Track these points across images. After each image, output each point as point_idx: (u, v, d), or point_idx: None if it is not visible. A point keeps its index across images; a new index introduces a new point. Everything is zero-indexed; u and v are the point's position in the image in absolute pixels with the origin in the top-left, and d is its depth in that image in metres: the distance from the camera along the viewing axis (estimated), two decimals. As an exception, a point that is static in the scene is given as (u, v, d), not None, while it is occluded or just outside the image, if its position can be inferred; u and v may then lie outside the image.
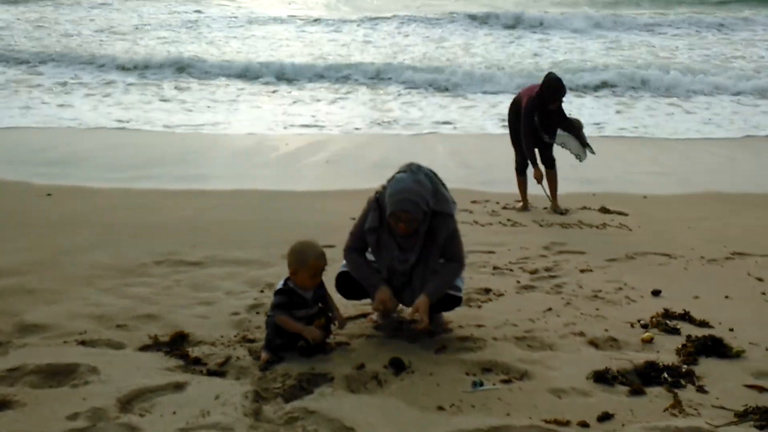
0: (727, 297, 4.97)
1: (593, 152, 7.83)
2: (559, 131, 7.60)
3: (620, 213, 7.61)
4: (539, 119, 7.37)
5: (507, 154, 8.00)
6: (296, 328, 3.68)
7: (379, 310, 3.96)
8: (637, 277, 5.36)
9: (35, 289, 4.62)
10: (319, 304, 3.84)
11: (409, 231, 3.88)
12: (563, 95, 7.31)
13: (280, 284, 3.78)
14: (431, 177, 3.98)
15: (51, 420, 2.96)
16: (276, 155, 10.18)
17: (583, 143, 7.75)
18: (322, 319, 3.79)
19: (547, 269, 5.55)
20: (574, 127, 7.70)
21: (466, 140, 11.44)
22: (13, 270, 4.97)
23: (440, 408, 3.24)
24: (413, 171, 3.92)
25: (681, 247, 6.25)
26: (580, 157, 7.79)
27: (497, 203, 7.91)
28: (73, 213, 6.87)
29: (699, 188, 8.85)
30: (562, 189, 7.89)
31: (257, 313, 4.36)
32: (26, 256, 5.33)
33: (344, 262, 4.11)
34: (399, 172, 3.94)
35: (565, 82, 7.38)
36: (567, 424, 3.14)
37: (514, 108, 7.61)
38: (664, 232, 6.83)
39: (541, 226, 7.06)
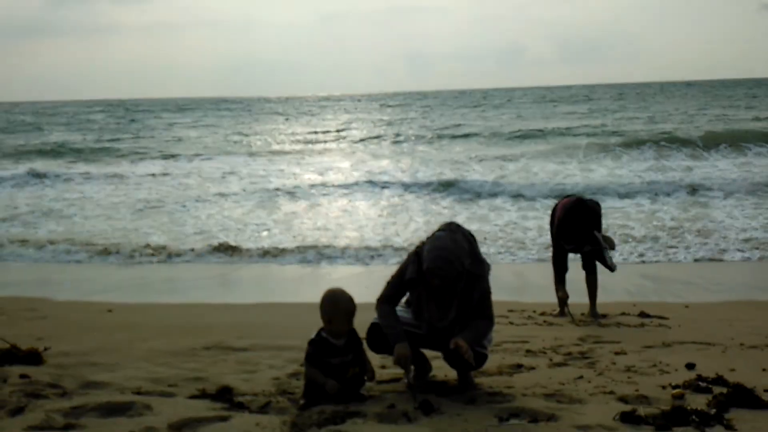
0: (764, 369, 4.98)
1: (611, 269, 7.69)
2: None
3: (660, 317, 7.65)
4: (566, 241, 7.50)
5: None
6: (319, 380, 3.90)
7: (398, 364, 4.13)
8: (672, 358, 5.41)
9: (98, 362, 5.01)
10: (352, 355, 4.05)
11: (444, 287, 4.13)
12: (585, 224, 7.31)
13: (312, 335, 4.04)
14: (469, 238, 4.28)
15: (110, 433, 3.24)
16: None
17: (605, 264, 7.61)
18: (356, 368, 4.00)
19: (581, 353, 5.65)
20: (601, 248, 7.53)
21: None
22: (79, 351, 5.37)
23: (466, 435, 3.37)
24: (452, 230, 4.23)
25: (721, 338, 6.27)
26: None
27: (534, 311, 8.02)
28: (131, 321, 7.29)
29: (741, 297, 8.85)
30: (601, 299, 7.99)
31: (297, 379, 4.57)
32: (89, 344, 5.73)
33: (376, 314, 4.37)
34: (438, 230, 4.26)
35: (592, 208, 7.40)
36: (589, 445, 3.22)
37: (552, 219, 7.89)
38: (704, 329, 6.85)
39: (577, 325, 7.16)
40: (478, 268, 4.22)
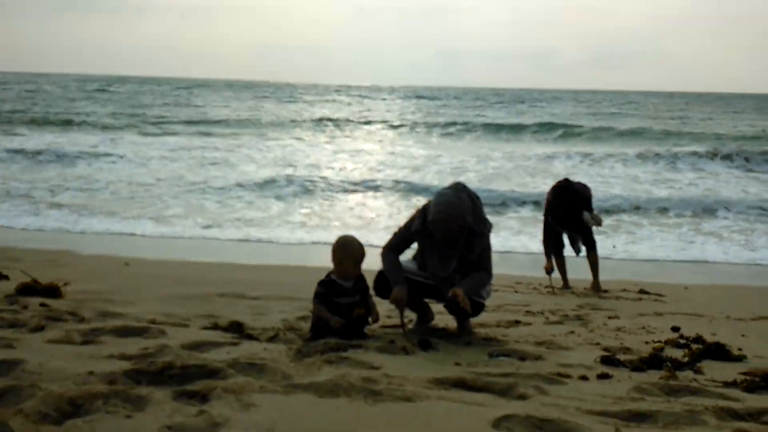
0: (743, 335, 5.25)
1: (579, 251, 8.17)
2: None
3: (658, 294, 7.91)
4: (555, 219, 7.96)
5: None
6: (325, 316, 4.20)
7: (393, 304, 4.42)
8: (661, 324, 5.68)
9: (114, 299, 5.33)
10: (359, 297, 4.36)
11: (446, 239, 4.43)
12: (570, 203, 7.80)
13: (322, 277, 4.36)
14: (473, 198, 4.55)
15: (126, 349, 3.57)
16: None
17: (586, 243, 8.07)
18: (361, 309, 4.29)
19: (577, 316, 5.93)
20: (585, 227, 7.99)
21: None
22: (96, 290, 5.68)
23: (457, 364, 3.70)
24: (458, 189, 4.52)
25: (711, 312, 6.54)
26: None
27: (540, 284, 8.31)
28: (148, 273, 7.65)
29: (742, 283, 9.10)
30: (605, 277, 8.28)
31: (305, 321, 4.88)
32: (107, 286, 6.05)
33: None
34: (445, 188, 4.56)
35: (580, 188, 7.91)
36: (568, 376, 3.53)
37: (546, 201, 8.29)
38: (698, 305, 7.10)
39: (578, 296, 7.45)
40: (480, 226, 4.50)
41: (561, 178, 8.45)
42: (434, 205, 4.42)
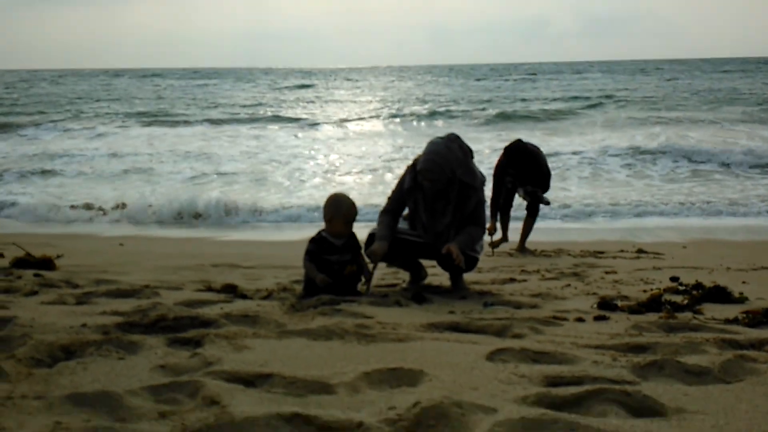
0: (744, 282, 5.23)
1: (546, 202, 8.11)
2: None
3: (657, 253, 7.89)
4: (512, 178, 7.78)
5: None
6: (311, 273, 4.16)
7: (369, 257, 4.36)
8: (660, 276, 5.66)
9: (108, 270, 5.31)
10: (350, 255, 4.32)
11: (434, 191, 4.35)
12: (522, 165, 7.68)
13: (314, 234, 4.31)
14: (465, 150, 4.46)
15: (119, 307, 3.53)
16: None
17: (541, 200, 8.00)
18: (353, 266, 4.26)
19: (574, 273, 5.89)
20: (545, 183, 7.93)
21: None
22: (90, 264, 5.67)
23: (451, 312, 3.67)
24: (450, 139, 4.43)
25: (710, 264, 6.50)
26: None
27: (535, 249, 8.25)
28: (143, 250, 7.62)
29: (739, 239, 9.08)
30: (601, 237, 8.28)
31: (299, 284, 4.85)
32: (101, 261, 6.04)
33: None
34: (437, 138, 4.48)
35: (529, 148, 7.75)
36: (564, 318, 3.50)
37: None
38: (697, 259, 7.08)
39: (574, 257, 7.40)
40: (471, 178, 4.42)
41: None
42: (423, 154, 4.36)
